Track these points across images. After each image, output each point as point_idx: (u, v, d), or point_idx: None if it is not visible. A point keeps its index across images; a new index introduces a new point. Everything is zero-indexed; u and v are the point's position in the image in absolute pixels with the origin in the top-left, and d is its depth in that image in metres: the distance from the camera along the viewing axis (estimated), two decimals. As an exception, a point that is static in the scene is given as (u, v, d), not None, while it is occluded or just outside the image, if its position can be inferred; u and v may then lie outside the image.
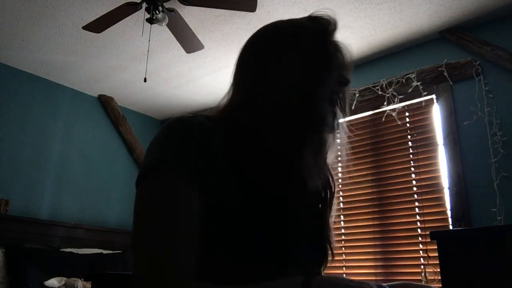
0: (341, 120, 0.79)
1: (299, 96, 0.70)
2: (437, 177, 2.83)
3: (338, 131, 0.78)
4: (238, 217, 0.63)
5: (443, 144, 2.83)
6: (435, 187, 2.81)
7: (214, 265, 0.63)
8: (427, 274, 2.63)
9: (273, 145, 0.69)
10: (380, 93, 3.18)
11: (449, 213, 2.70)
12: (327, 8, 0.78)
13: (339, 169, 3.32)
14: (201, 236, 0.61)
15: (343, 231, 3.17)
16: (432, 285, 2.59)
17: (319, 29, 0.75)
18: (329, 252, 0.78)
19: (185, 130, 0.64)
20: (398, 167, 3.02)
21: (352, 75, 0.79)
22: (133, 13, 2.59)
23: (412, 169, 2.95)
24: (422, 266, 2.69)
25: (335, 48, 0.77)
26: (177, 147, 0.63)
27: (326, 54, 0.74)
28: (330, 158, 0.79)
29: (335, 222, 3.10)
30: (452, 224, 2.65)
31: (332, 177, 0.82)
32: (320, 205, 0.79)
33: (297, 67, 0.72)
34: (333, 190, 0.81)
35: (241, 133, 0.69)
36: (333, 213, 0.82)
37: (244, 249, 0.63)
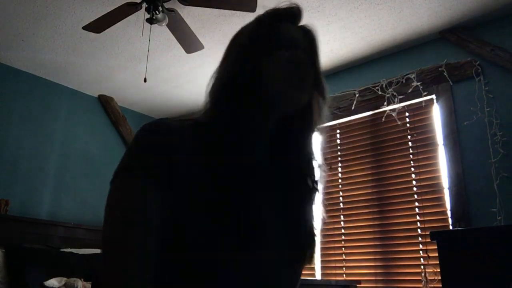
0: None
1: (243, 80, 0.72)
2: (437, 177, 2.82)
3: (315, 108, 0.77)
4: (203, 217, 0.64)
5: (443, 144, 2.83)
6: (435, 187, 2.81)
7: (177, 267, 0.64)
8: (427, 274, 2.63)
9: (231, 138, 0.70)
10: (380, 93, 3.18)
11: (449, 213, 2.70)
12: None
13: (339, 169, 3.34)
14: (165, 236, 0.63)
15: (343, 231, 3.17)
16: (432, 285, 2.59)
17: (261, 16, 0.76)
18: (309, 243, 0.77)
19: (150, 135, 0.67)
20: (398, 167, 3.02)
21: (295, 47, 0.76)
22: (133, 13, 2.59)
23: (412, 169, 2.95)
24: (422, 266, 2.69)
25: (273, 29, 0.75)
26: (141, 152, 0.66)
27: (262, 35, 0.74)
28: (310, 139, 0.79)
29: (335, 222, 3.06)
30: (452, 224, 2.65)
31: (311, 160, 0.80)
32: (299, 192, 0.78)
33: (236, 55, 0.75)
34: (312, 174, 0.79)
35: (202, 132, 0.70)
36: (318, 200, 0.80)
37: (208, 247, 0.64)
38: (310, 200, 0.79)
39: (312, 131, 0.79)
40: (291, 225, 0.74)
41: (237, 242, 0.64)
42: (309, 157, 0.79)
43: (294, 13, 0.78)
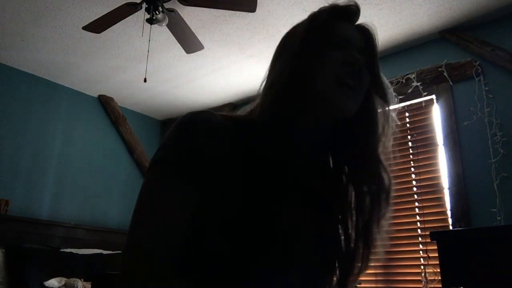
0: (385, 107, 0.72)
1: (293, 83, 0.67)
2: (437, 177, 2.82)
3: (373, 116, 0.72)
4: (234, 221, 0.62)
5: (443, 144, 2.82)
6: (435, 187, 2.81)
7: (203, 266, 0.62)
8: (427, 274, 2.63)
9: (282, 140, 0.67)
10: (380, 93, 3.18)
11: (449, 213, 2.70)
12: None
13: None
14: (195, 235, 0.61)
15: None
16: (432, 285, 2.59)
17: (315, 13, 0.71)
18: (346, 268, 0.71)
19: (191, 129, 0.64)
20: (398, 167, 3.02)
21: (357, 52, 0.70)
22: (133, 13, 2.59)
23: (412, 169, 2.95)
24: (422, 266, 2.69)
25: (326, 28, 0.70)
26: (181, 147, 0.63)
27: (314, 36, 0.69)
28: (377, 148, 0.72)
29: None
30: (452, 224, 2.65)
31: (382, 174, 0.72)
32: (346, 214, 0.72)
33: (290, 56, 0.70)
34: (379, 192, 0.72)
35: (247, 134, 0.66)
36: (381, 223, 0.71)
37: (235, 255, 0.62)
38: (361, 218, 0.72)
39: (375, 138, 0.72)
40: (327, 245, 0.70)
41: (263, 257, 0.62)
42: (373, 168, 0.72)
43: (352, 11, 0.72)
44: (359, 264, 0.71)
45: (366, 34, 0.72)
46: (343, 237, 0.72)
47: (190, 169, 0.62)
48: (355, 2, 0.72)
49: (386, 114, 0.74)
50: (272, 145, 0.65)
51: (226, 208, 0.62)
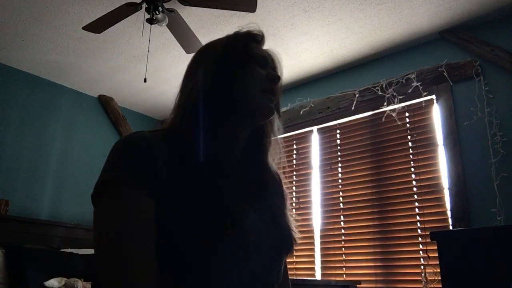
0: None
1: (219, 86, 0.77)
2: (437, 177, 2.83)
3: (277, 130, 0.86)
4: (190, 212, 0.67)
5: (443, 145, 2.83)
6: (435, 187, 2.81)
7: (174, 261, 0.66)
8: (427, 274, 2.63)
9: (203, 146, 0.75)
10: (380, 93, 3.18)
11: (449, 213, 2.70)
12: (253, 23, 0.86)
13: (339, 169, 3.34)
14: (160, 237, 0.65)
15: (343, 231, 3.17)
16: (432, 285, 2.59)
17: (233, 34, 0.84)
18: (292, 237, 0.82)
19: (131, 147, 0.69)
20: (398, 167, 3.02)
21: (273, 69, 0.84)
22: (133, 13, 2.59)
23: (412, 169, 2.95)
24: (422, 266, 2.69)
25: (245, 48, 0.82)
26: (127, 163, 0.67)
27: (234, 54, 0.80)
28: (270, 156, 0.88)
29: (335, 222, 3.10)
30: (452, 224, 2.65)
31: (272, 171, 0.89)
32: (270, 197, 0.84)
33: (213, 66, 0.79)
34: (279, 181, 0.90)
35: (175, 143, 0.73)
36: (288, 204, 0.89)
37: (200, 243, 0.67)
38: (279, 200, 0.87)
39: (269, 142, 0.86)
40: (268, 221, 0.79)
41: (224, 238, 0.68)
42: (267, 165, 0.87)
43: (262, 37, 0.86)
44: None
45: (274, 57, 0.86)
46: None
47: (145, 181, 0.66)
48: (262, 31, 0.86)
49: (277, 124, 0.87)
50: (200, 150, 0.74)
51: (182, 209, 0.67)
